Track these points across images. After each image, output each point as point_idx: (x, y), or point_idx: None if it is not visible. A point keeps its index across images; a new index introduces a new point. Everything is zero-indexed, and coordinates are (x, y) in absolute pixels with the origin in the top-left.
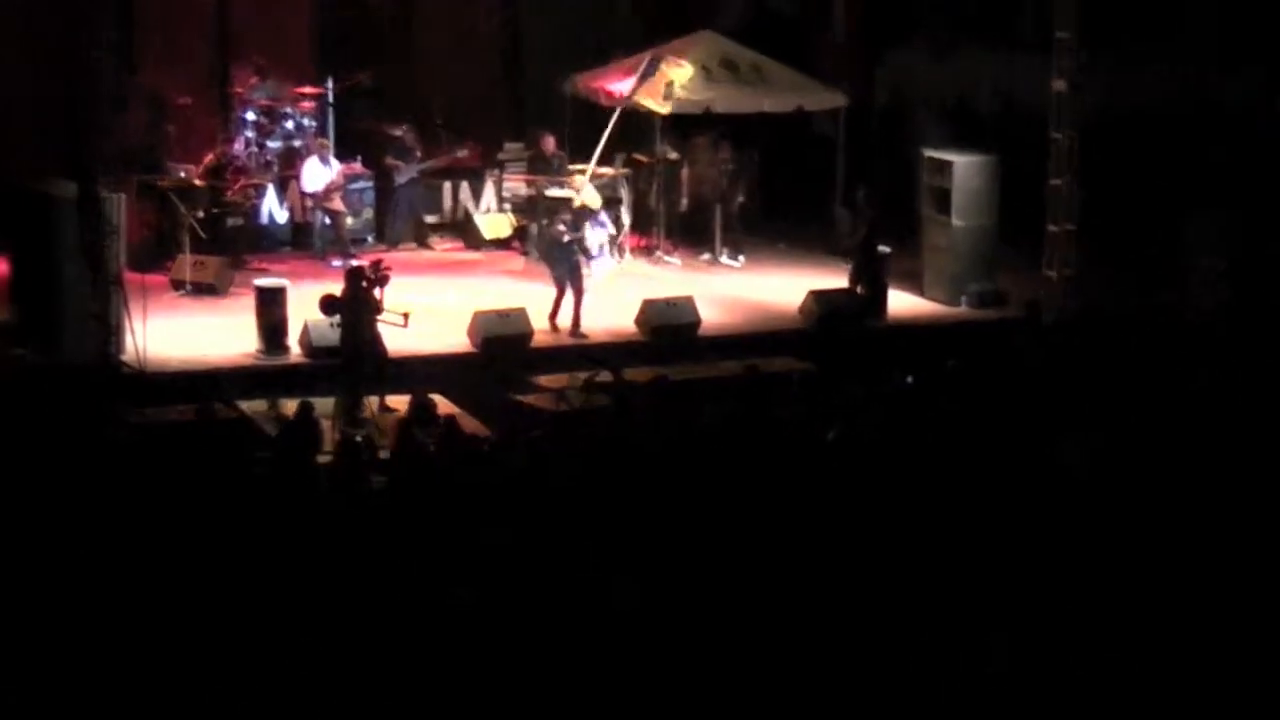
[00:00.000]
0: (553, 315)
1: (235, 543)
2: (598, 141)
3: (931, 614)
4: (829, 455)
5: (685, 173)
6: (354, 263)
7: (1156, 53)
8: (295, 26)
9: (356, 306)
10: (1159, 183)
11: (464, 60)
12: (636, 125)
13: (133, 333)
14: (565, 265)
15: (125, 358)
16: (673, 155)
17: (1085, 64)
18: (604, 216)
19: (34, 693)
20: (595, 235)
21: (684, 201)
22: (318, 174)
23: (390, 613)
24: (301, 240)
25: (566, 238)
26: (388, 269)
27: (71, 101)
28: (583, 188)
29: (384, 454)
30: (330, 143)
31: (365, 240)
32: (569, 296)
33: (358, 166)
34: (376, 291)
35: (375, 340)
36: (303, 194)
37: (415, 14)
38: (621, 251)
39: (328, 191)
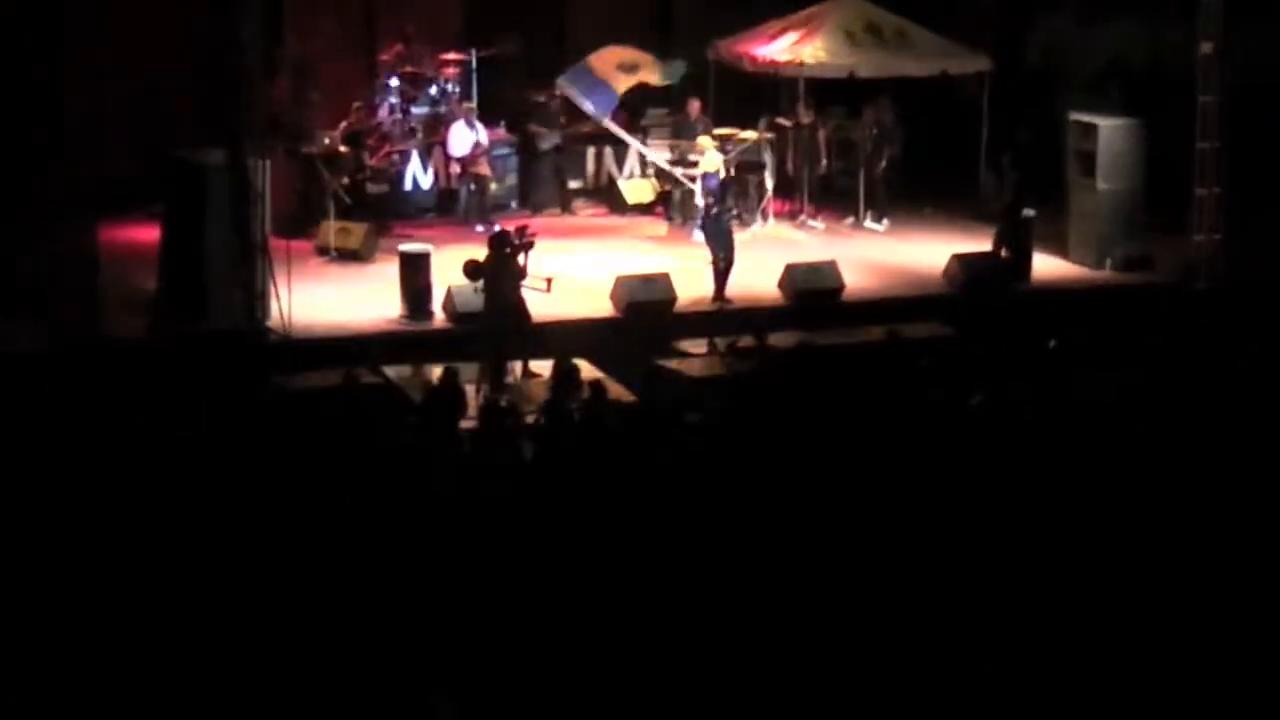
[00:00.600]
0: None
1: (382, 508)
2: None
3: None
4: (972, 421)
5: (823, 136)
6: (498, 228)
7: None
8: None
9: (500, 272)
10: None
11: (611, 27)
12: (781, 89)
13: (278, 299)
14: (718, 238)
15: (271, 324)
16: (807, 119)
17: (1232, 26)
18: (714, 180)
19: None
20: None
21: (823, 165)
22: (464, 138)
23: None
24: (445, 206)
25: (714, 210)
26: (532, 234)
27: (219, 70)
28: (706, 151)
29: (528, 419)
30: (475, 106)
31: (509, 206)
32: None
33: (502, 133)
34: (520, 257)
35: (519, 305)
36: (449, 159)
37: None
38: (765, 216)
39: (474, 156)
